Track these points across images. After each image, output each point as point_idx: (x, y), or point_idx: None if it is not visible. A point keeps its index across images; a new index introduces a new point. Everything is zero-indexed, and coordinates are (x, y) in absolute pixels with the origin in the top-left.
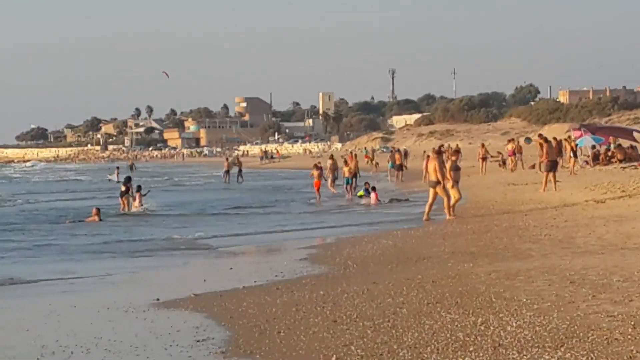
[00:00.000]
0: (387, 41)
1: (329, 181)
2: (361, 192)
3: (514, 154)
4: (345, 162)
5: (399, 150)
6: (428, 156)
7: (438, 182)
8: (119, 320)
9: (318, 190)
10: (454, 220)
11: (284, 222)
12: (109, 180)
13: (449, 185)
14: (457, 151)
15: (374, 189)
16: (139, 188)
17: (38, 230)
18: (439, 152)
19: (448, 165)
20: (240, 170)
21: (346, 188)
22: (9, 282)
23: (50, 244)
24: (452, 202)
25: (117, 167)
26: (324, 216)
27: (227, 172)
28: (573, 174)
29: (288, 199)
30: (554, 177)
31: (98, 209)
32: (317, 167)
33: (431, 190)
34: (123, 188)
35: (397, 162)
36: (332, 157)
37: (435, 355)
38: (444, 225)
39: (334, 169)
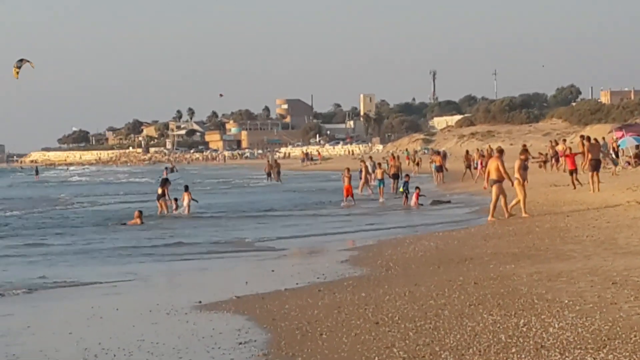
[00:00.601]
0: (428, 42)
1: (361, 183)
2: (401, 189)
3: (564, 154)
4: (379, 164)
5: (438, 152)
6: (482, 156)
7: (498, 181)
8: (161, 323)
9: (348, 194)
10: (530, 218)
11: (324, 224)
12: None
13: (517, 183)
14: (526, 150)
15: (417, 188)
16: (186, 188)
17: (82, 233)
18: (500, 152)
19: (517, 164)
20: (278, 172)
21: (379, 190)
22: (52, 284)
23: (93, 247)
24: (515, 201)
25: (166, 168)
26: (365, 218)
27: (269, 174)
28: (615, 175)
29: (329, 200)
30: (598, 177)
31: (140, 212)
32: (348, 170)
33: (493, 189)
34: (160, 191)
35: (437, 164)
36: (362, 160)
37: (478, 357)
38: (485, 226)
39: (367, 171)
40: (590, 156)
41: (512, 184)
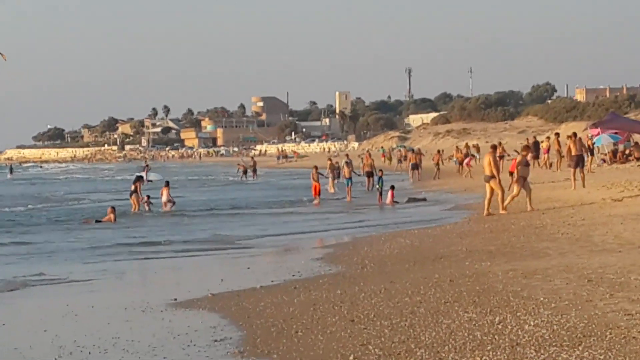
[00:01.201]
0: (403, 40)
1: (330, 181)
2: (377, 185)
3: (548, 151)
4: (346, 163)
5: (412, 150)
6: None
7: (492, 177)
8: (136, 320)
9: (317, 193)
10: (506, 216)
11: (300, 222)
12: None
13: (514, 181)
14: (528, 147)
15: (392, 187)
16: (167, 183)
17: (55, 230)
18: (494, 148)
19: (518, 159)
20: (255, 170)
21: (347, 189)
22: (27, 282)
23: (66, 244)
24: (509, 196)
25: (147, 165)
26: (341, 216)
27: (245, 171)
28: (590, 172)
29: (305, 198)
30: (583, 173)
31: (113, 208)
32: (316, 168)
33: (487, 185)
34: (132, 187)
35: (412, 161)
36: (330, 159)
37: (453, 355)
38: (461, 224)
39: (334, 169)
40: (573, 152)
41: (512, 181)
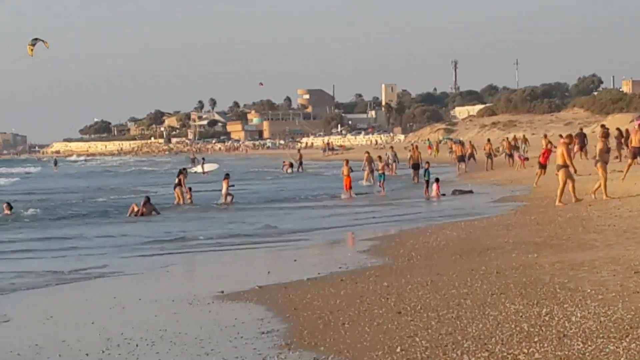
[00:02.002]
0: (450, 32)
1: (365, 173)
2: (425, 177)
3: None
4: (379, 157)
5: (460, 142)
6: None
7: (564, 166)
8: (183, 313)
9: (348, 187)
10: (552, 208)
11: (345, 215)
12: (194, 172)
13: (599, 166)
14: (608, 134)
15: (437, 180)
16: (226, 175)
17: (100, 224)
18: (569, 137)
19: (599, 146)
20: (301, 162)
21: (380, 183)
22: (74, 275)
23: (113, 237)
24: (599, 185)
25: (203, 159)
26: (383, 208)
27: (291, 165)
28: (636, 164)
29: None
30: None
31: (148, 199)
32: (347, 162)
33: (560, 175)
34: (176, 180)
35: (459, 154)
36: (367, 152)
37: (500, 346)
38: (507, 216)
39: (370, 162)
40: (635, 143)
41: (575, 171)
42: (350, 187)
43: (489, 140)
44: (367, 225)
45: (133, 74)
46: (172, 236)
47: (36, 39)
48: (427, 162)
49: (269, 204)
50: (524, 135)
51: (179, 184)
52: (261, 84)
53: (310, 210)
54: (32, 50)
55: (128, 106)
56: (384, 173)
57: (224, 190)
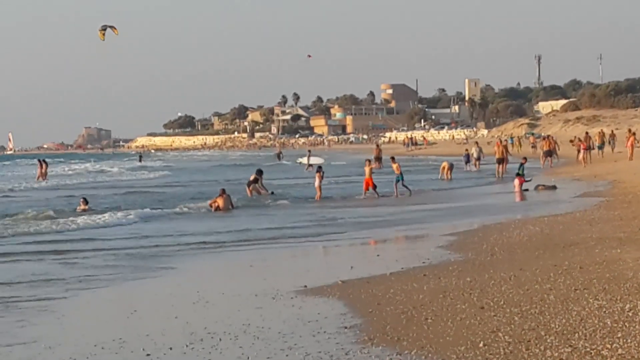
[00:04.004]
0: (533, 26)
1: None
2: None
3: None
4: (392, 158)
5: (548, 137)
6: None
7: None
8: (266, 307)
9: (368, 188)
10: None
11: (427, 210)
12: (300, 163)
13: None
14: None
15: (518, 175)
16: (319, 169)
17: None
18: None
19: None
20: (380, 158)
21: (395, 185)
22: (155, 271)
23: (193, 231)
24: None
25: (309, 151)
26: (466, 202)
27: (378, 158)
28: None
29: (431, 188)
30: None
31: (223, 190)
32: (369, 162)
33: None
34: (252, 177)
35: (546, 148)
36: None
37: (583, 342)
38: (590, 211)
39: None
40: None
41: None
42: (373, 187)
43: (587, 133)
44: (448, 220)
45: (217, 69)
46: (254, 229)
47: (105, 26)
48: (525, 158)
49: (351, 198)
50: (612, 131)
51: (255, 181)
52: (309, 55)
53: (389, 205)
54: (103, 34)
55: (212, 101)
56: (401, 174)
57: (317, 183)
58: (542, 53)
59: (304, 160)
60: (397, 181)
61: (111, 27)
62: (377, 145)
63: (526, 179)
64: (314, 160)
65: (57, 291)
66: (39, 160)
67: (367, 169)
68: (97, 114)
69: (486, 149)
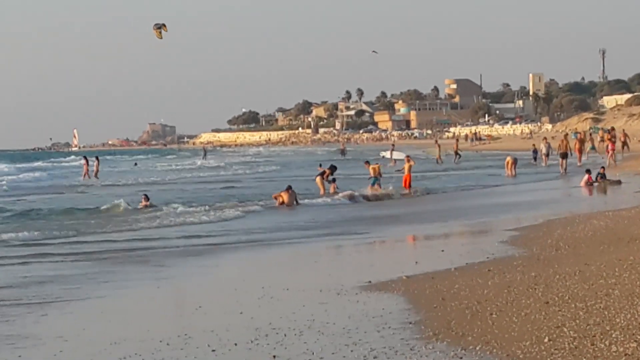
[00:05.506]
0: (597, 20)
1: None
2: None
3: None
4: (366, 162)
5: (609, 131)
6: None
7: None
8: (331, 303)
9: (408, 184)
10: None
11: (492, 206)
12: (383, 157)
13: None
14: None
15: (587, 171)
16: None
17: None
18: None
19: None
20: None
21: (376, 186)
22: (220, 267)
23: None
24: None
25: (393, 145)
26: (529, 196)
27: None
28: None
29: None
30: None
31: (290, 186)
32: (409, 159)
33: None
34: (320, 169)
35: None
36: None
37: None
38: None
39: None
40: None
41: None
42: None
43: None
44: (513, 214)
45: (281, 65)
46: (317, 225)
47: (158, 24)
48: (602, 167)
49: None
50: None
51: (322, 174)
52: (374, 51)
53: (454, 200)
54: (160, 33)
55: (276, 97)
56: (376, 177)
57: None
58: (607, 47)
59: (387, 154)
60: (372, 185)
61: (163, 24)
62: (436, 141)
63: (594, 181)
64: (397, 155)
65: (125, 286)
66: (85, 157)
67: (406, 166)
68: (161, 110)
69: (552, 144)
